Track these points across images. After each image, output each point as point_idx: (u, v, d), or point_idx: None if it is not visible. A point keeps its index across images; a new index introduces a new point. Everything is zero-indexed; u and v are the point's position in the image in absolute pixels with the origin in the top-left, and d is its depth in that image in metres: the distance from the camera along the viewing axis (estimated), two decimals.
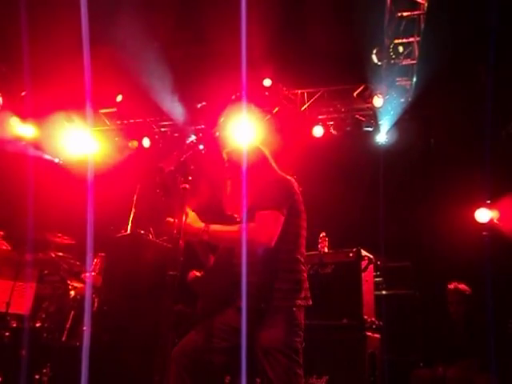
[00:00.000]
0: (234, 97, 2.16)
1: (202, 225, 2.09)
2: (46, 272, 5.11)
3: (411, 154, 6.39)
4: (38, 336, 4.35)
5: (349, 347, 3.83)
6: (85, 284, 4.97)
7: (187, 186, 1.76)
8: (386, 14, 5.51)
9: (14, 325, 4.29)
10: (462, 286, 4.49)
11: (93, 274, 5.16)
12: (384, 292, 5.20)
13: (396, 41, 5.81)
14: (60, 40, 5.69)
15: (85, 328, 4.48)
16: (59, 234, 5.43)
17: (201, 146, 1.97)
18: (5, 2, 5.61)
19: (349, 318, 3.95)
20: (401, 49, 5.86)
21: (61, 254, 5.26)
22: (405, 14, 5.41)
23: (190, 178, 1.77)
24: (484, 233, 5.56)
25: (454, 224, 5.51)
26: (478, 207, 5.66)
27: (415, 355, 4.81)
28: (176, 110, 7.19)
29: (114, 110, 7.56)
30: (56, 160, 7.43)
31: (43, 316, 4.42)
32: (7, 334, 4.21)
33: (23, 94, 6.89)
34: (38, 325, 4.39)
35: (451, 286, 4.52)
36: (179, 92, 6.99)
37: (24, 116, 6.92)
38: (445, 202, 5.61)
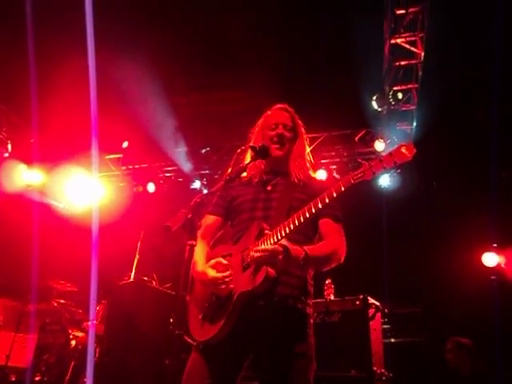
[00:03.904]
0: (239, 151, 2.17)
1: (302, 251, 1.89)
2: (47, 321, 5.04)
3: (415, 198, 6.40)
4: None
5: None
6: (86, 333, 4.88)
7: (194, 242, 1.77)
8: (385, 64, 5.70)
9: (14, 378, 4.17)
10: (463, 339, 4.53)
11: (95, 322, 5.08)
12: (393, 340, 5.07)
13: (395, 88, 5.97)
14: (67, 88, 5.87)
15: (86, 380, 4.36)
16: (62, 281, 5.40)
17: (205, 191, 1.98)
18: (14, 54, 5.84)
19: (357, 369, 3.82)
20: (400, 95, 6.01)
21: (63, 301, 5.21)
22: (402, 63, 5.59)
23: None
24: (492, 277, 5.48)
25: (462, 268, 5.45)
26: (485, 251, 5.61)
27: None
28: (180, 155, 7.31)
29: (119, 155, 7.69)
30: (61, 206, 7.47)
31: (43, 369, 4.31)
32: None
33: (32, 141, 7.04)
34: (37, 378, 4.27)
35: (451, 338, 4.57)
36: (183, 138, 7.13)
37: (31, 163, 7.04)
38: (451, 246, 5.56)
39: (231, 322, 1.93)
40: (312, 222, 2.08)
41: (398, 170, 1.82)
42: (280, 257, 1.82)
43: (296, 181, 2.22)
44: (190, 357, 2.06)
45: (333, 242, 2.08)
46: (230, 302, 1.94)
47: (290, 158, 2.29)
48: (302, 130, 2.39)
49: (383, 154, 6.50)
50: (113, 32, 5.34)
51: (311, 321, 2.08)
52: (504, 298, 5.05)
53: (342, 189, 1.83)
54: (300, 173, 2.25)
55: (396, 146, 1.79)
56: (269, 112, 2.42)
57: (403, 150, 1.75)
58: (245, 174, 2.32)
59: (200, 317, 2.05)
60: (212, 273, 1.99)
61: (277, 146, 2.25)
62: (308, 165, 2.34)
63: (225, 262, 2.02)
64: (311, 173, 2.35)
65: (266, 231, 1.95)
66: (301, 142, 2.35)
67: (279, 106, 2.42)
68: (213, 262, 2.04)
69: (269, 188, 2.23)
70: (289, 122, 2.33)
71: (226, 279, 1.96)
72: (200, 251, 2.17)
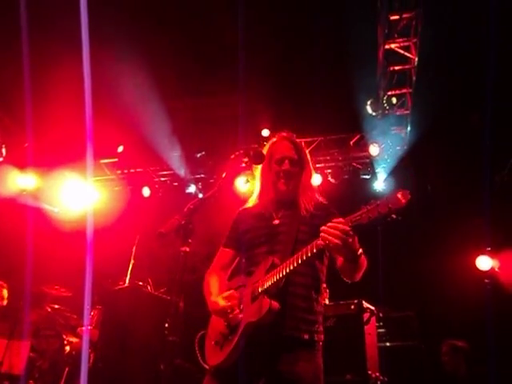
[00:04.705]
0: (233, 156, 2.16)
1: (360, 248, 1.99)
2: (41, 327, 5.00)
3: (409, 201, 6.42)
4: None
5: None
6: (80, 339, 4.85)
7: (187, 249, 1.77)
8: (379, 69, 5.74)
9: None
10: (459, 342, 4.54)
11: (89, 327, 5.06)
12: (388, 344, 5.07)
13: (389, 92, 6.01)
14: (61, 92, 5.86)
15: None
16: (56, 286, 5.36)
17: (200, 195, 1.99)
18: (8, 58, 5.83)
19: (352, 373, 3.84)
20: (394, 100, 6.05)
21: (57, 306, 5.18)
22: (396, 68, 5.64)
23: (190, 240, 1.79)
24: (486, 280, 5.51)
25: (456, 271, 5.47)
26: (479, 254, 5.64)
27: None
28: (175, 159, 7.30)
29: (114, 160, 7.67)
30: (55, 210, 7.44)
31: (36, 375, 4.27)
32: None
33: (26, 145, 7.01)
34: None
35: (447, 341, 4.58)
36: (179, 142, 7.13)
37: (26, 167, 7.01)
38: (445, 250, 5.58)
39: (238, 351, 2.01)
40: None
41: (394, 216, 1.80)
42: (350, 240, 1.86)
43: (304, 212, 2.27)
44: (203, 380, 2.15)
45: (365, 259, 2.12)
46: (237, 331, 2.03)
47: (297, 191, 2.33)
48: (308, 158, 2.42)
49: (377, 158, 6.56)
50: (108, 37, 5.35)
51: (320, 344, 2.12)
52: (498, 302, 5.08)
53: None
54: (308, 204, 2.30)
55: (392, 191, 1.81)
56: (274, 139, 2.44)
57: (399, 195, 1.76)
58: (255, 200, 2.41)
59: (213, 342, 2.15)
60: (222, 303, 2.09)
61: (283, 180, 2.31)
62: (315, 193, 2.38)
63: (237, 294, 2.11)
64: (317, 196, 2.39)
65: (276, 264, 2.04)
66: (307, 174, 2.38)
67: (284, 134, 2.44)
68: (226, 293, 2.13)
69: (276, 222, 2.28)
70: (294, 155, 2.35)
71: (235, 309, 2.06)
72: (215, 283, 2.29)
